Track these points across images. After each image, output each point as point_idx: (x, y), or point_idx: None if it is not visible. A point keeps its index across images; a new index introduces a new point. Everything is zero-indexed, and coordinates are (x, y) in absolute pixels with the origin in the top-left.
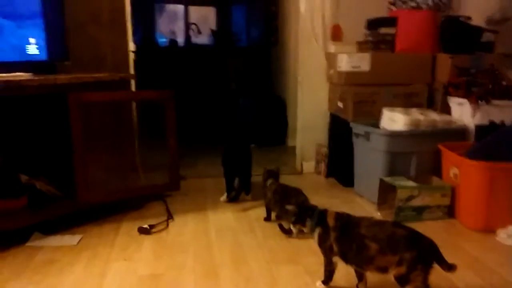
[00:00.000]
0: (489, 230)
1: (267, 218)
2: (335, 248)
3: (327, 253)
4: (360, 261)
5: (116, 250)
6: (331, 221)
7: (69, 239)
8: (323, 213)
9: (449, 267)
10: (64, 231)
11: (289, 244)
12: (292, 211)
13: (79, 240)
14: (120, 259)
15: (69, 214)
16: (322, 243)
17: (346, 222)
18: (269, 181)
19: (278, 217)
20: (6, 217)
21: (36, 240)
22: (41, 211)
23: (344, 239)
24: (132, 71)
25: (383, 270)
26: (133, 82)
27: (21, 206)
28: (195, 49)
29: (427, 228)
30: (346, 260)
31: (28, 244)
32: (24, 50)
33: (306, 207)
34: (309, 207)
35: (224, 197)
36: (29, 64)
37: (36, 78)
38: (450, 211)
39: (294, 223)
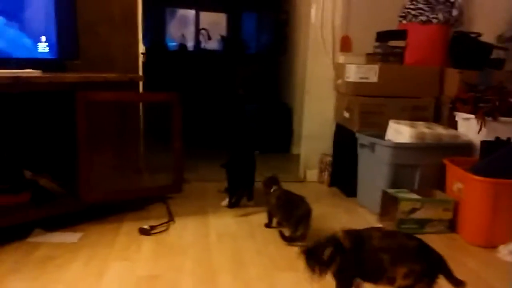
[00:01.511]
0: (491, 246)
1: (268, 224)
2: (354, 271)
3: (348, 281)
4: (375, 275)
5: (116, 249)
6: (346, 243)
7: (69, 237)
8: (337, 239)
9: (458, 283)
10: (65, 229)
11: (289, 251)
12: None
13: (80, 238)
14: (119, 259)
15: (71, 211)
16: (342, 271)
17: (358, 238)
18: (274, 187)
19: (280, 224)
20: (8, 212)
21: (37, 236)
22: (43, 207)
23: (360, 257)
24: (140, 72)
25: (392, 281)
26: (141, 84)
27: (22, 202)
28: (204, 54)
29: (428, 241)
30: (364, 277)
31: (29, 239)
32: (35, 47)
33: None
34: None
35: (225, 202)
36: (39, 62)
37: (46, 75)
38: (452, 226)
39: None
